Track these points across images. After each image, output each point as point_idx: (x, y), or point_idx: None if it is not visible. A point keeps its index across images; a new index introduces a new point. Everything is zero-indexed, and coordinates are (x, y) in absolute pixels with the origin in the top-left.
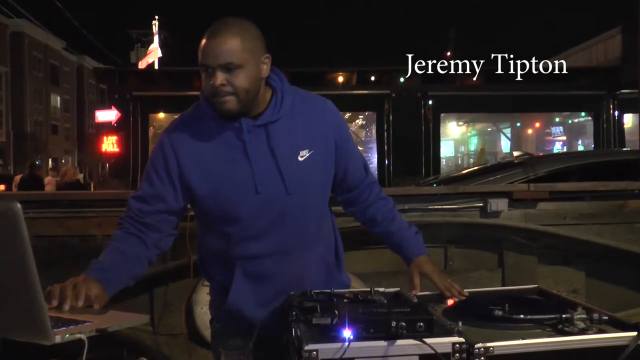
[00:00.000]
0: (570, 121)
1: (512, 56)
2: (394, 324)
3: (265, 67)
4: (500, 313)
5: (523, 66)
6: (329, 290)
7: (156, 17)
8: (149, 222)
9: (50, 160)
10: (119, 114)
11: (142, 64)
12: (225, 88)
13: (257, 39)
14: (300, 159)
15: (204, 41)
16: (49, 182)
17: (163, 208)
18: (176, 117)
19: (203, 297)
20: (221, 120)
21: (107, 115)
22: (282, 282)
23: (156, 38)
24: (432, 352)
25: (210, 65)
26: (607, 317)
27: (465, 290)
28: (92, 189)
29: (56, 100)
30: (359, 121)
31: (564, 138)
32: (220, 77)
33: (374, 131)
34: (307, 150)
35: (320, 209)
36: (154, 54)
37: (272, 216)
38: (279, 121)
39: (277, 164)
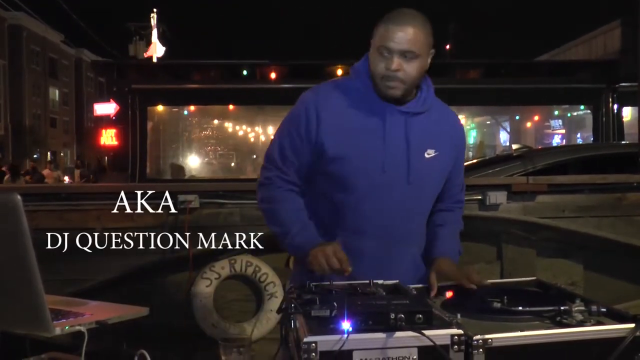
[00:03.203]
0: (569, 114)
1: (511, 49)
2: (392, 316)
3: (429, 61)
4: (498, 305)
5: (522, 59)
6: (328, 283)
7: (154, 10)
8: (293, 180)
9: (49, 153)
10: (118, 107)
11: (147, 54)
12: (398, 74)
13: (431, 34)
14: (427, 155)
15: (386, 25)
16: (48, 176)
17: (302, 163)
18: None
19: (202, 289)
20: (367, 97)
21: (106, 108)
22: (371, 264)
23: (154, 31)
24: (431, 344)
25: (392, 49)
26: (605, 309)
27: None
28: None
29: (55, 94)
30: None
31: (563, 131)
32: (397, 62)
33: None
34: (434, 151)
35: (426, 208)
36: (153, 48)
37: (385, 198)
38: (419, 116)
39: (408, 152)
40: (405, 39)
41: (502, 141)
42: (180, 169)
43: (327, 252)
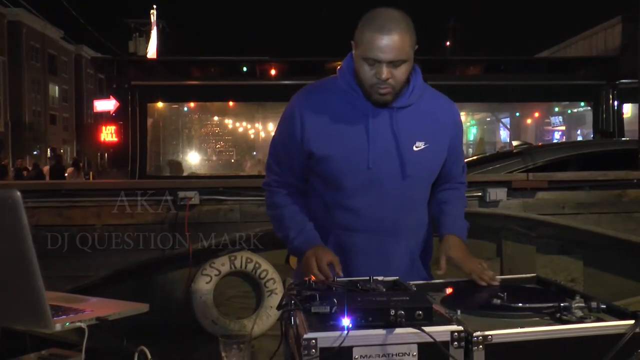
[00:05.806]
0: (569, 111)
1: (511, 45)
2: (392, 312)
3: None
4: (498, 302)
5: (522, 56)
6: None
7: (154, 6)
8: (291, 182)
9: (49, 150)
10: (118, 104)
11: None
12: (389, 81)
13: (414, 31)
14: (415, 149)
15: (372, 34)
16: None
17: (296, 164)
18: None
19: (202, 286)
20: (351, 95)
21: (106, 104)
22: (365, 259)
23: (154, 28)
24: (431, 340)
25: (382, 60)
26: (605, 306)
27: (464, 279)
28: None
29: (54, 90)
30: None
31: (563, 128)
32: (387, 72)
33: None
34: (423, 143)
35: (420, 200)
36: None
37: (374, 194)
38: (405, 110)
39: (398, 147)
40: (393, 48)
41: (502, 138)
42: (180, 165)
43: (319, 256)
